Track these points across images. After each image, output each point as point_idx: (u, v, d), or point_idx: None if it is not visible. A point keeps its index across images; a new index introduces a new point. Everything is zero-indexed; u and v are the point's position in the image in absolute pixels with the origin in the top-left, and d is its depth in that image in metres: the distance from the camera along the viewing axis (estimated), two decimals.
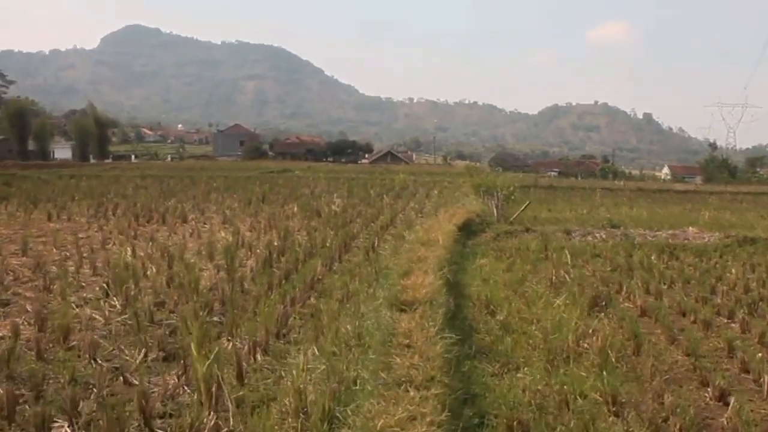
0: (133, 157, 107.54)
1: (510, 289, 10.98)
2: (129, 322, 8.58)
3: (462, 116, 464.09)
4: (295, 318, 9.07)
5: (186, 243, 15.10)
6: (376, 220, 19.80)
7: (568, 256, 13.54)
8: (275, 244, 14.59)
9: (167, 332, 8.19)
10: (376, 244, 14.78)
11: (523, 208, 21.30)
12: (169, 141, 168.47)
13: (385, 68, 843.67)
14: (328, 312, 8.65)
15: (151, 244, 14.67)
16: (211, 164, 70.52)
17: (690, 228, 17.39)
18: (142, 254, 13.29)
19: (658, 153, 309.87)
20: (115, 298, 9.70)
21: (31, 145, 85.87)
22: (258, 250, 13.91)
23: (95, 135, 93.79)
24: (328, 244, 14.61)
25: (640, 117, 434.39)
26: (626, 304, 10.58)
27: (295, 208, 21.96)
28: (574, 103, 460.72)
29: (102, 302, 9.58)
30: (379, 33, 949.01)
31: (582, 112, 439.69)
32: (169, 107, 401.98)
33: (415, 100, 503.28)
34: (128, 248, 13.86)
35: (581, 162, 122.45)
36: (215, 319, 8.97)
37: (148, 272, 11.70)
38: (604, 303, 10.14)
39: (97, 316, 8.92)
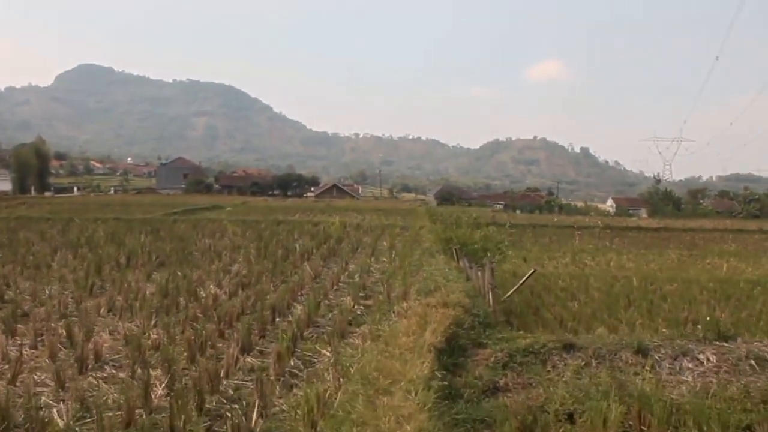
0: (75, 189, 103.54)
1: None
2: None
3: (406, 150, 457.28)
4: None
5: None
6: (286, 314, 10.73)
7: None
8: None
9: None
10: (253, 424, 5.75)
11: (523, 280, 12.60)
12: (118, 174, 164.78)
13: (331, 104, 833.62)
14: None
15: None
16: (134, 198, 60.31)
17: None
18: None
19: (596, 185, 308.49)
20: None
21: None
22: None
23: (35, 167, 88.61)
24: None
25: (578, 151, 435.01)
26: None
27: (153, 287, 12.53)
28: (514, 138, 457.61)
29: None
30: (327, 71, 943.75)
31: (522, 147, 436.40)
32: (121, 142, 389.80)
33: (360, 135, 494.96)
34: None
35: (526, 195, 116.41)
36: None
37: None
38: None
39: None
